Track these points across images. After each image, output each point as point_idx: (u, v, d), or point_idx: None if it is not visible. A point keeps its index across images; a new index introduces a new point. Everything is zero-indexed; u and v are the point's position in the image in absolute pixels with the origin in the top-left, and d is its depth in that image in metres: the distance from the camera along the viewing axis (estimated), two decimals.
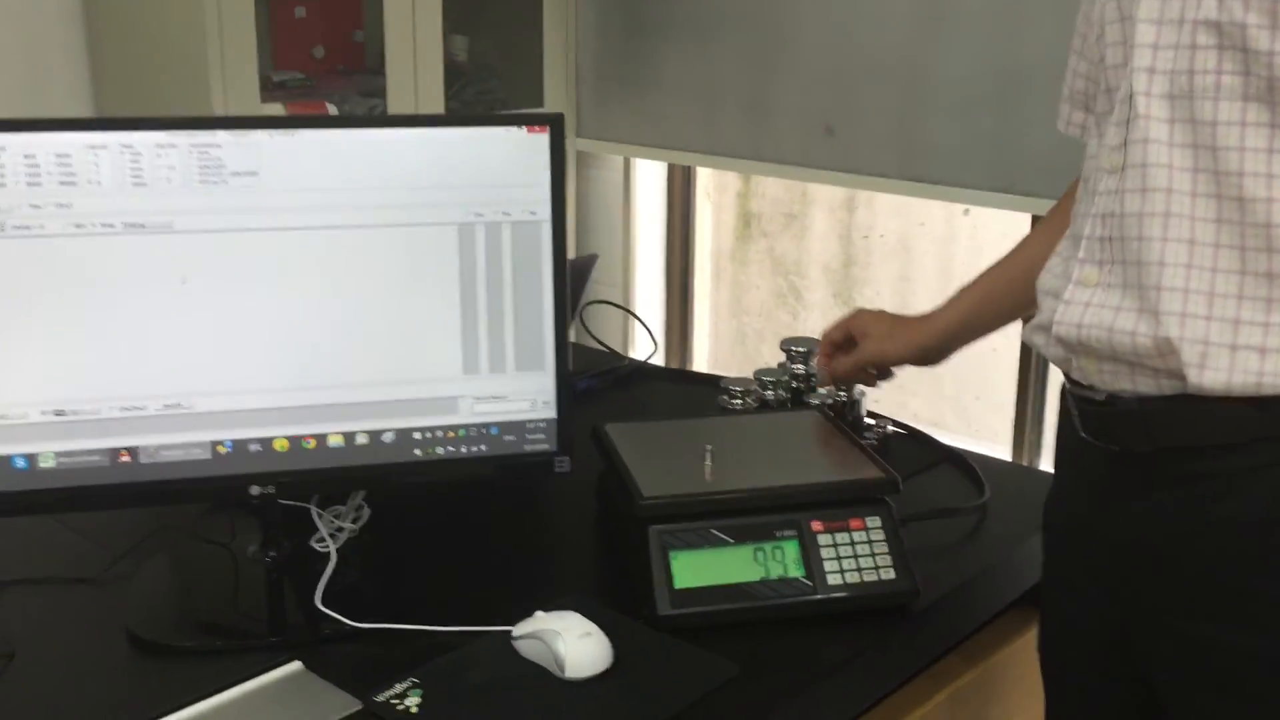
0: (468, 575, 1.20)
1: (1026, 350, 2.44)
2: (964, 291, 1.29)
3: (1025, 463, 2.42)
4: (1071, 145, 1.20)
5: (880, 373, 1.38)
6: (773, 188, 3.45)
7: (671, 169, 3.16)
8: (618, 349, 1.83)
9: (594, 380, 1.70)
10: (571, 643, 1.02)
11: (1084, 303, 0.99)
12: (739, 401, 1.52)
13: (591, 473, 1.29)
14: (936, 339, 1.30)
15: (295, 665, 1.04)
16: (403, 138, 1.08)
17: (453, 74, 2.75)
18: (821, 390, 1.50)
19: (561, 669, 1.01)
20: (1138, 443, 0.98)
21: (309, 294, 1.07)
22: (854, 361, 1.36)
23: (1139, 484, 1.00)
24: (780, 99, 2.60)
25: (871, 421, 1.50)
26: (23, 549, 1.22)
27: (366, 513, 1.25)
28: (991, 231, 2.98)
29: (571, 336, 1.89)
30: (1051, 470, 1.17)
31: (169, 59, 2.34)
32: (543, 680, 1.01)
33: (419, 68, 2.58)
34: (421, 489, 1.21)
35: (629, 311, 1.87)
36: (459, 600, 1.14)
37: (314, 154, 1.06)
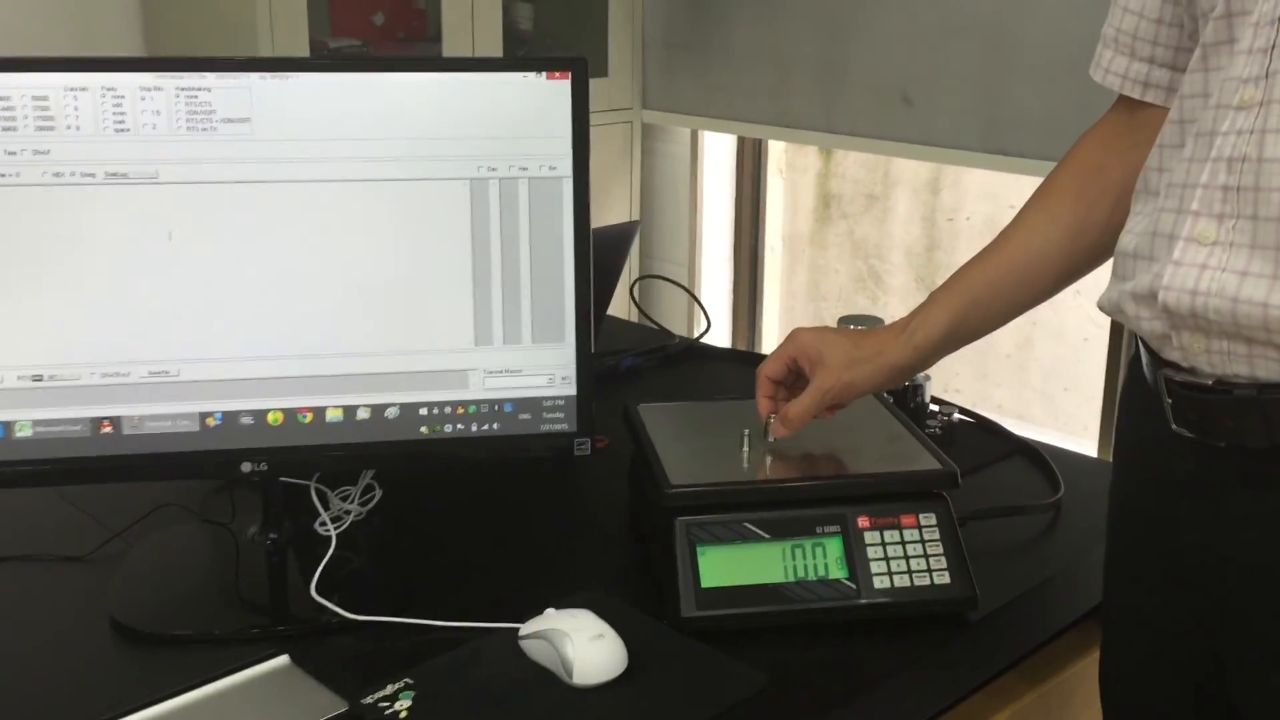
0: (481, 565, 1.10)
1: (1117, 337, 2.27)
2: (942, 297, 1.05)
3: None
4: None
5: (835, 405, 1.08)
6: (853, 168, 3.32)
7: (741, 142, 3.04)
8: (679, 330, 1.71)
9: (640, 358, 1.59)
10: (581, 645, 0.91)
11: (1199, 264, 0.83)
12: None
13: (629, 457, 1.19)
14: (914, 359, 1.04)
15: (282, 659, 0.95)
16: (409, 83, 0.98)
17: (514, 42, 2.66)
18: None
19: (569, 674, 0.91)
20: (1252, 437, 0.84)
21: (305, 254, 0.98)
22: (815, 401, 1.04)
23: (1244, 483, 0.86)
24: (855, 67, 2.46)
25: (935, 408, 1.38)
26: (15, 522, 1.15)
27: (377, 494, 1.16)
28: None
29: (623, 313, 1.80)
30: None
31: (218, 26, 2.28)
32: (548, 686, 0.91)
33: (477, 35, 2.50)
34: (431, 469, 1.11)
35: (679, 285, 1.76)
36: (468, 592, 1.05)
37: (311, 100, 0.97)
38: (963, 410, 1.39)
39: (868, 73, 2.44)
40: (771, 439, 1.08)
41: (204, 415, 0.99)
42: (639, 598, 1.03)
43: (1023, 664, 1.07)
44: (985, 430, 1.39)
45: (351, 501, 1.12)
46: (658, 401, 1.19)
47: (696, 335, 1.68)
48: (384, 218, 0.99)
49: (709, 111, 2.77)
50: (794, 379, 1.09)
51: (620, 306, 1.75)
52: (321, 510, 1.07)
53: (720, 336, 3.20)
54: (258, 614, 1.02)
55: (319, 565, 1.03)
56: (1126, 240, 0.92)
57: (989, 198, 3.06)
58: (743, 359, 1.72)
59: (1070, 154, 1.06)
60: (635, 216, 2.93)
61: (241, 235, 0.97)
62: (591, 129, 1.02)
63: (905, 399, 1.35)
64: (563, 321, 1.03)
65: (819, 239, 3.42)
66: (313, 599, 1.00)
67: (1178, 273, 0.84)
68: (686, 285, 2.87)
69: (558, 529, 1.18)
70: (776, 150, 3.23)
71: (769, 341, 3.31)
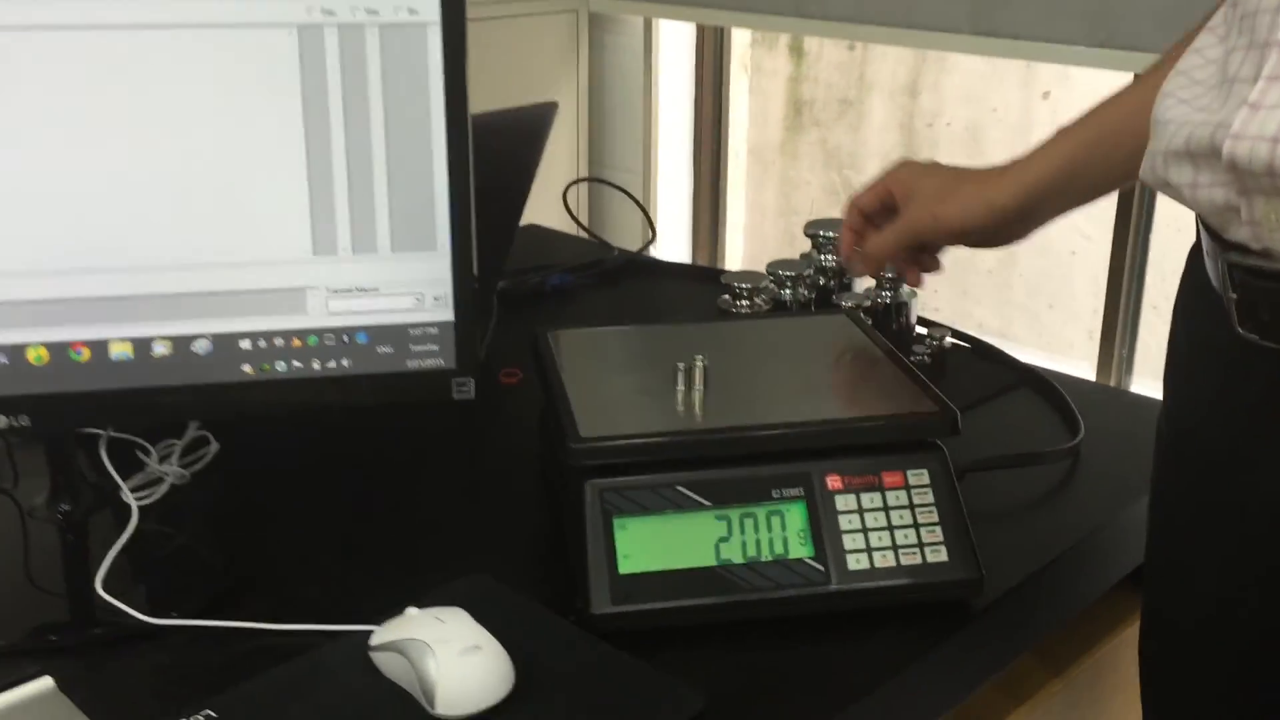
0: (339, 545, 0.85)
1: (1120, 242, 2.02)
2: (1068, 129, 0.88)
3: (1112, 383, 2.03)
4: None
5: (926, 260, 0.95)
6: (826, 71, 3.06)
7: (701, 33, 2.74)
8: (634, 247, 1.44)
9: (569, 275, 1.33)
10: (447, 661, 0.67)
11: None
12: (745, 302, 1.15)
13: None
14: (1021, 198, 0.87)
15: (43, 683, 0.70)
16: None
17: None
18: (857, 289, 1.13)
19: (430, 701, 0.66)
20: None
21: (69, 131, 0.71)
22: (897, 235, 0.92)
23: None
24: None
25: (923, 331, 1.13)
26: None
27: (211, 449, 0.90)
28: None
29: (550, 221, 1.55)
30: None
31: None
32: (403, 716, 0.67)
33: None
34: (261, 421, 0.86)
35: (618, 188, 1.50)
36: (320, 581, 0.80)
37: None
38: (956, 333, 1.14)
39: None
40: (850, 280, 1.01)
41: None
42: (545, 586, 0.79)
43: (1042, 647, 0.83)
44: (983, 357, 1.14)
45: (171, 460, 0.87)
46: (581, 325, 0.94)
47: (639, 248, 1.42)
48: (179, 81, 0.72)
49: None
50: (888, 214, 0.94)
51: (553, 215, 1.49)
52: (116, 477, 0.82)
53: (680, 255, 2.95)
54: (28, 617, 0.77)
55: (110, 551, 0.77)
56: (1176, 85, 0.68)
57: (971, 101, 2.83)
58: (697, 275, 1.44)
59: None
60: (582, 121, 2.64)
61: None
62: (530, 19, 0.76)
63: (886, 319, 1.10)
64: (433, 221, 0.77)
65: (789, 149, 3.17)
66: (98, 596, 0.74)
67: (1254, 118, 0.62)
68: (640, 197, 2.60)
69: (450, 492, 0.93)
70: (740, 45, 2.94)
71: (733, 260, 3.06)
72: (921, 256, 0.94)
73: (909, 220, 0.91)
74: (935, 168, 0.93)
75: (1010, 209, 0.87)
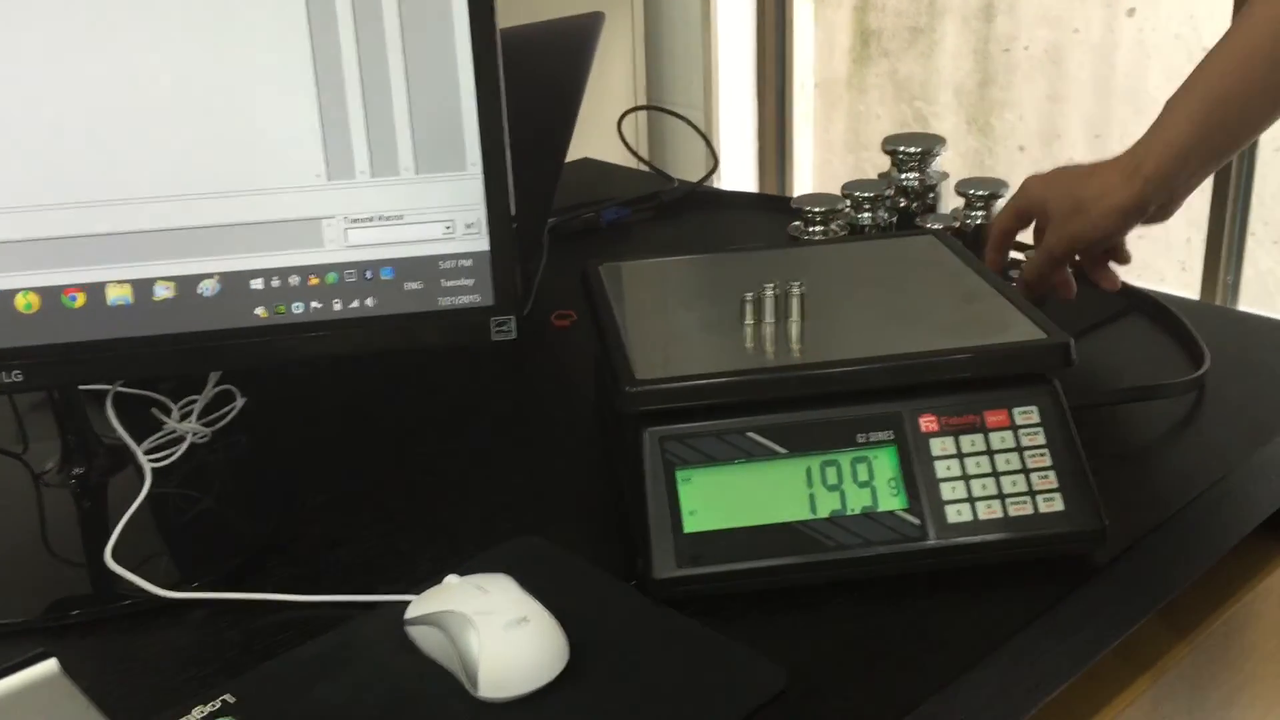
0: (374, 505, 0.77)
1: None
2: (1177, 105, 0.83)
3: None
4: None
5: (1117, 254, 0.92)
6: None
7: None
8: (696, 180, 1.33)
9: (626, 209, 1.24)
10: (490, 636, 0.58)
11: None
12: (819, 229, 1.04)
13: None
14: (1144, 195, 0.83)
15: (46, 666, 0.63)
16: None
17: None
18: (944, 209, 1.02)
19: (473, 681, 0.58)
20: None
21: (48, 47, 0.63)
22: (1042, 261, 0.89)
23: None
24: None
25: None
26: None
27: (238, 404, 0.83)
28: (1162, 34, 2.42)
29: (604, 155, 1.45)
30: None
31: None
32: (442, 699, 0.59)
33: None
34: (280, 369, 0.78)
35: (677, 115, 1.40)
36: (349, 549, 0.72)
37: None
38: None
39: None
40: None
41: None
42: (603, 548, 0.70)
43: (1166, 609, 0.73)
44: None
45: (191, 418, 0.79)
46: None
47: (700, 178, 1.31)
48: None
49: None
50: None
51: (608, 148, 1.39)
52: (125, 436, 0.74)
53: (716, 174, 2.84)
54: (38, 592, 0.70)
55: (120, 518, 0.70)
56: None
57: (1050, 22, 2.67)
58: (764, 204, 1.33)
59: None
60: (638, 49, 2.52)
61: None
62: None
63: (976, 243, 0.99)
64: (460, 137, 0.68)
65: (857, 82, 3.04)
66: (107, 568, 0.67)
67: None
68: (701, 128, 2.48)
69: (497, 446, 0.84)
70: None
71: (804, 191, 2.94)
72: (1104, 254, 0.92)
73: (1048, 245, 0.89)
74: (1060, 181, 0.88)
75: (1137, 208, 0.84)
